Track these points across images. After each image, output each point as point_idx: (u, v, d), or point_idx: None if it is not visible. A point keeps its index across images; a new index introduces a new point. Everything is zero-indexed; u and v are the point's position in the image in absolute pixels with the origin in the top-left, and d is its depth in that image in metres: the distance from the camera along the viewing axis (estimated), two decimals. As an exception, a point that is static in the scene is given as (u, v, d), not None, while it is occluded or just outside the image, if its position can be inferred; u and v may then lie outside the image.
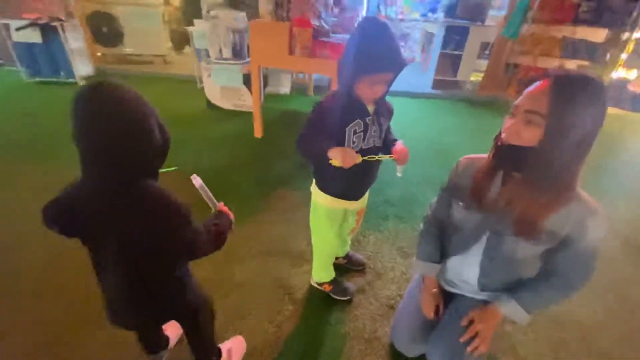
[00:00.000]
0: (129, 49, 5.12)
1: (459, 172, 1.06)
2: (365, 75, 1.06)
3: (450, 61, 4.92)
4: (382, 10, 6.45)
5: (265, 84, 4.43)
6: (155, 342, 1.19)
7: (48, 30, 3.92)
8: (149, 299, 0.89)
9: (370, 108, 1.16)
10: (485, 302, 1.08)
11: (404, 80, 5.19)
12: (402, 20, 6.47)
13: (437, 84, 5.00)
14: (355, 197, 1.34)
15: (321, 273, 1.52)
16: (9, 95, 3.83)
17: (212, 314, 1.10)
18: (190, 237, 0.80)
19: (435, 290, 1.18)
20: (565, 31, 3.93)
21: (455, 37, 4.60)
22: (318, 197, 1.32)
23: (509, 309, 1.02)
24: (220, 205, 0.97)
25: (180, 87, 4.44)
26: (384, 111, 1.22)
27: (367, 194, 1.40)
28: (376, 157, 1.15)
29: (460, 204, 1.04)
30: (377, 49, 1.02)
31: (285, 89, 4.59)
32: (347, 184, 1.27)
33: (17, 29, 3.80)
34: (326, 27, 2.87)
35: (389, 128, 1.28)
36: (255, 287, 1.58)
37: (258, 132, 3.13)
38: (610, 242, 2.07)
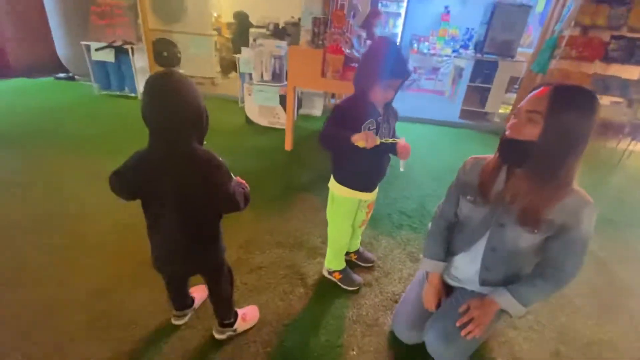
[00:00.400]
0: (183, 71, 5.76)
1: (466, 170, 1.19)
2: (380, 81, 1.28)
3: (478, 94, 5.06)
4: (415, 45, 6.84)
5: (300, 106, 4.82)
6: (182, 300, 1.39)
7: (120, 52, 4.62)
8: (190, 247, 1.12)
9: (381, 110, 1.38)
10: (484, 295, 1.18)
11: (434, 110, 5.38)
12: (433, 55, 6.77)
13: (464, 114, 5.14)
14: (369, 188, 1.53)
15: (333, 261, 1.68)
16: (81, 104, 4.48)
17: (231, 276, 1.31)
18: (230, 190, 1.02)
19: (438, 286, 1.29)
20: (596, 68, 3.98)
21: (484, 71, 4.77)
22: (336, 190, 1.52)
23: (504, 300, 1.11)
24: (238, 179, 1.15)
25: (224, 105, 4.94)
26: (392, 113, 1.45)
27: (377, 189, 1.58)
28: (390, 140, 1.34)
29: (468, 198, 1.16)
30: (388, 61, 1.25)
31: (317, 111, 4.94)
32: (362, 177, 1.48)
33: (97, 50, 4.53)
34: (357, 55, 3.20)
35: (394, 129, 1.49)
36: (273, 270, 1.75)
37: (288, 146, 3.43)
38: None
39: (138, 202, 1.06)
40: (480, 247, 1.16)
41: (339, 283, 1.68)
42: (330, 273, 1.70)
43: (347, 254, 1.85)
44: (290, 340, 1.38)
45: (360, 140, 1.25)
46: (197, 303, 1.47)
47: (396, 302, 1.62)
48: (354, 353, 1.36)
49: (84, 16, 4.75)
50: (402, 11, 6.75)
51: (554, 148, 0.92)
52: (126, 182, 1.02)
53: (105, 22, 4.68)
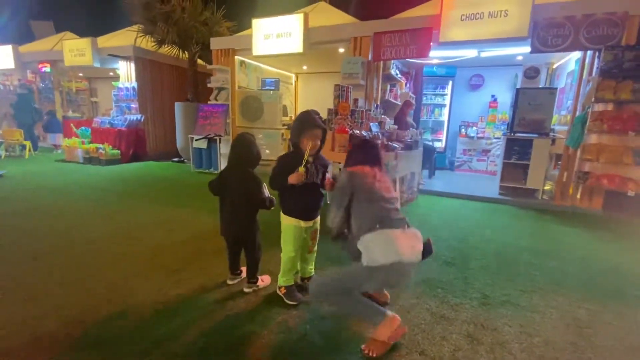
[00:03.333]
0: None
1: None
2: (305, 132, 1.92)
3: (521, 170, 5.00)
4: (463, 130, 7.23)
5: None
6: (235, 266, 2.26)
7: (211, 141, 6.34)
8: (240, 222, 2.11)
9: (311, 158, 1.97)
10: None
11: (477, 187, 5.43)
12: (481, 138, 6.99)
13: (505, 191, 5.04)
14: (307, 217, 2.02)
15: (282, 278, 2.09)
16: (181, 176, 6.13)
17: (260, 248, 2.20)
18: (260, 195, 2.05)
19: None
20: (635, 140, 3.74)
21: (514, 148, 4.84)
22: (283, 220, 2.06)
23: None
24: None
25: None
26: (321, 162, 2.01)
27: (318, 218, 2.04)
28: (305, 158, 1.90)
29: None
30: (306, 120, 1.92)
31: (328, 174, 5.55)
32: (300, 207, 2.01)
33: (196, 140, 6.34)
34: (377, 134, 3.88)
35: (325, 172, 2.03)
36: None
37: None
38: None
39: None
40: None
41: (283, 297, 2.05)
42: (279, 288, 2.10)
43: (302, 279, 2.22)
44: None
45: (292, 179, 1.85)
46: (243, 274, 2.29)
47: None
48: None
49: (194, 118, 6.82)
50: (447, 102, 7.42)
51: None
52: (215, 185, 2.13)
53: (207, 122, 6.62)
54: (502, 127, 7.04)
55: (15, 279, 2.23)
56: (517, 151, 4.88)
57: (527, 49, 4.74)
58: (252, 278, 2.17)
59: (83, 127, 8.09)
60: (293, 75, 9.45)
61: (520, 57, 6.28)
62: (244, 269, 2.28)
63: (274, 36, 5.97)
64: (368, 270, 1.59)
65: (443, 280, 2.38)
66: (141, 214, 3.70)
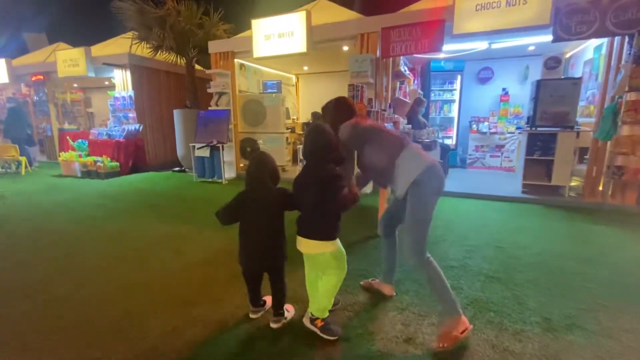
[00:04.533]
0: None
1: None
2: None
3: (544, 167, 4.73)
4: (474, 126, 6.95)
5: (350, 185, 5.27)
6: (257, 298, 1.95)
7: (213, 149, 6.06)
8: (266, 249, 1.80)
9: None
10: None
11: (496, 186, 5.16)
12: (494, 133, 6.72)
13: (529, 189, 4.77)
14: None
15: (319, 310, 1.80)
16: (183, 187, 5.84)
17: (284, 274, 1.90)
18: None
19: None
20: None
21: (537, 143, 4.57)
22: (336, 244, 1.78)
23: None
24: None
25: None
26: None
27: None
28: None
29: None
30: None
31: (366, 189, 5.28)
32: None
33: (198, 148, 6.05)
34: None
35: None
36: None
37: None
38: None
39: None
40: None
41: (318, 330, 1.76)
42: (312, 320, 1.80)
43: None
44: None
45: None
46: (267, 306, 2.00)
47: (370, 358, 1.62)
48: None
49: (194, 126, 6.53)
50: (456, 98, 7.14)
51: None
52: (229, 213, 1.82)
53: (208, 129, 6.32)
54: (515, 121, 6.77)
55: (6, 323, 1.95)
56: (540, 147, 4.60)
57: (546, 37, 4.47)
58: (279, 309, 1.89)
59: (80, 140, 7.81)
60: (293, 77, 9.18)
61: (532, 48, 6.02)
62: (266, 298, 2.01)
63: (276, 36, 5.69)
64: (416, 187, 1.68)
65: (492, 300, 2.10)
66: (145, 234, 3.42)
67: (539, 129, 4.63)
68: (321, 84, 8.93)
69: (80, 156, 7.17)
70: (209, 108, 6.75)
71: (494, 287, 2.27)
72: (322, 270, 1.78)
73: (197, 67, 8.18)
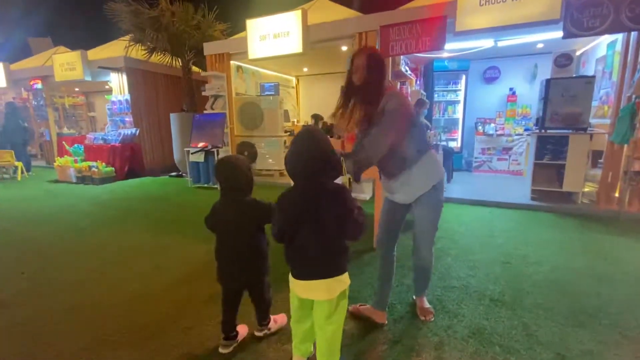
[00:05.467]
0: (259, 166, 6.85)
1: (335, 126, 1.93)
2: None
3: (555, 171, 4.43)
4: (480, 128, 6.66)
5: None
6: (232, 325, 1.72)
7: (208, 154, 5.87)
8: (246, 263, 1.64)
9: None
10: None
11: (506, 191, 4.87)
12: (501, 135, 6.42)
13: (538, 195, 4.47)
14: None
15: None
16: (176, 194, 5.67)
17: (269, 286, 1.76)
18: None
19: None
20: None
21: (547, 146, 4.27)
22: (346, 279, 1.42)
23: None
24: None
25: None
26: None
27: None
28: None
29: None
30: None
31: (366, 195, 5.03)
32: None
33: (192, 153, 5.87)
34: None
35: None
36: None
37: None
38: None
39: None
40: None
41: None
42: None
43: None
44: None
45: None
46: (239, 337, 1.77)
47: None
48: None
49: (190, 130, 6.36)
50: (461, 98, 6.85)
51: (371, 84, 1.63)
52: (210, 222, 1.69)
53: (203, 133, 6.15)
54: (524, 122, 6.46)
55: (-47, 353, 1.76)
56: (550, 150, 4.31)
57: (556, 34, 4.18)
58: (263, 320, 1.79)
59: (76, 145, 7.71)
60: (293, 79, 8.98)
61: (540, 45, 5.72)
62: (240, 328, 1.78)
63: (271, 37, 5.49)
64: (434, 191, 1.73)
65: (497, 330, 1.85)
66: (127, 245, 3.23)
67: (549, 130, 4.34)
68: (321, 85, 8.72)
69: (75, 161, 7.05)
70: (204, 111, 6.58)
71: (499, 313, 2.01)
72: (329, 314, 1.36)
73: (195, 69, 8.03)
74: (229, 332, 1.71)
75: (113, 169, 6.94)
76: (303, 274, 1.36)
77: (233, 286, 1.70)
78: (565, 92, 4.17)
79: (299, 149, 1.32)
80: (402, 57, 5.19)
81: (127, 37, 7.16)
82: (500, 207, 4.32)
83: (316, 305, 1.38)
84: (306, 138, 1.32)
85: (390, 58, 4.96)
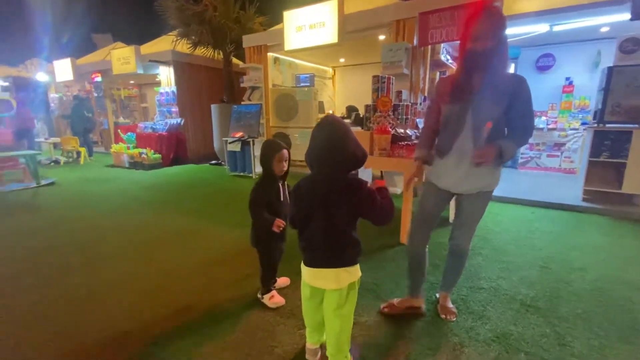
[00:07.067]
0: (293, 157, 6.94)
1: (439, 85, 1.73)
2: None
3: (613, 170, 3.99)
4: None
5: (380, 184, 4.96)
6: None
7: (244, 144, 6.08)
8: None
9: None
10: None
11: (554, 191, 4.49)
12: (552, 129, 5.89)
13: (592, 196, 4.06)
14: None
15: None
16: (214, 181, 5.96)
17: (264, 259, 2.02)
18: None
19: (420, 168, 1.81)
20: None
21: (604, 142, 3.84)
22: (358, 271, 1.43)
23: (503, 142, 1.53)
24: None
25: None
26: None
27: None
28: None
29: (446, 101, 1.63)
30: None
31: (397, 189, 4.91)
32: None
33: (230, 143, 6.12)
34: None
35: None
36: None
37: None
38: None
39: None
40: (463, 143, 1.59)
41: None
42: None
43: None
44: None
45: None
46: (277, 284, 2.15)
47: None
48: None
49: (229, 120, 6.62)
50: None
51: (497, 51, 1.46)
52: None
53: (240, 123, 6.37)
54: (581, 115, 5.86)
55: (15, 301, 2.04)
56: (609, 146, 3.87)
57: (622, 16, 3.71)
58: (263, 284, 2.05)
59: (129, 133, 8.39)
60: (330, 69, 8.92)
61: (605, 29, 5.10)
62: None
63: (307, 27, 5.48)
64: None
65: (526, 336, 1.73)
66: (163, 228, 3.48)
67: (608, 125, 3.89)
68: (358, 76, 8.56)
69: (128, 148, 7.69)
70: (242, 103, 6.79)
71: (530, 320, 1.88)
72: (339, 306, 1.36)
73: (235, 61, 8.29)
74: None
75: (160, 156, 7.46)
76: (313, 262, 1.38)
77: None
78: (632, 81, 3.69)
79: (314, 140, 1.31)
80: (442, 45, 4.92)
81: (174, 32, 7.57)
82: (545, 208, 3.99)
83: (326, 295, 1.39)
84: (321, 129, 1.29)
85: (430, 46, 4.74)
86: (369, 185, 1.33)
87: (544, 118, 6.06)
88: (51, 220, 3.78)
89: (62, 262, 2.68)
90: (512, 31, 5.06)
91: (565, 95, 6.02)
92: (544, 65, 6.36)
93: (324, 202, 1.31)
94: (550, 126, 5.94)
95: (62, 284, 2.34)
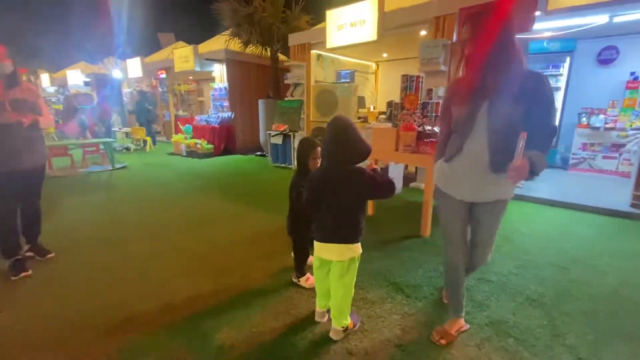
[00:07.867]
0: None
1: (451, 87, 1.68)
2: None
3: (671, 175, 3.68)
4: (584, 119, 5.76)
5: (414, 179, 5.07)
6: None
7: (285, 137, 6.51)
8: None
9: None
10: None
11: (598, 195, 4.25)
12: (611, 128, 5.45)
13: (641, 202, 3.78)
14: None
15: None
16: (257, 171, 6.50)
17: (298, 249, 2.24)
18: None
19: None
20: None
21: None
22: (359, 250, 1.72)
23: (533, 154, 1.34)
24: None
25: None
26: None
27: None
28: None
29: (457, 102, 1.56)
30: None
31: (421, 184, 4.97)
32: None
33: (272, 135, 6.59)
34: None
35: None
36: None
37: (370, 210, 3.76)
38: None
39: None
40: (476, 147, 1.49)
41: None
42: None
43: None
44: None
45: None
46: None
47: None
48: None
49: (274, 114, 7.10)
50: (562, 84, 5.92)
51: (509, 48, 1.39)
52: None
53: (283, 117, 6.82)
54: (643, 113, 5.32)
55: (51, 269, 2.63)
56: (666, 149, 3.57)
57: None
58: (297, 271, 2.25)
59: (187, 124, 9.33)
60: (373, 65, 8.99)
61: (681, 17, 4.56)
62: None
63: (348, 25, 5.68)
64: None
65: (520, 325, 1.85)
66: (206, 211, 4.01)
67: (666, 126, 3.58)
68: (400, 71, 8.49)
69: (185, 138, 8.59)
70: (285, 98, 7.22)
71: (530, 312, 1.98)
72: (340, 276, 1.66)
73: (282, 57, 8.76)
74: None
75: (212, 146, 8.24)
76: (322, 238, 1.68)
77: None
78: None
79: (325, 137, 1.61)
80: (485, 40, 4.81)
81: (227, 32, 8.23)
82: (584, 212, 3.81)
83: (332, 266, 1.69)
84: (329, 128, 1.59)
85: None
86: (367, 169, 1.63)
87: (601, 116, 5.60)
88: (124, 197, 4.55)
89: (128, 232, 3.30)
90: (566, 23, 4.77)
91: (629, 91, 5.49)
92: (605, 59, 5.83)
93: (332, 189, 1.59)
94: (607, 125, 5.49)
95: (128, 251, 2.92)
